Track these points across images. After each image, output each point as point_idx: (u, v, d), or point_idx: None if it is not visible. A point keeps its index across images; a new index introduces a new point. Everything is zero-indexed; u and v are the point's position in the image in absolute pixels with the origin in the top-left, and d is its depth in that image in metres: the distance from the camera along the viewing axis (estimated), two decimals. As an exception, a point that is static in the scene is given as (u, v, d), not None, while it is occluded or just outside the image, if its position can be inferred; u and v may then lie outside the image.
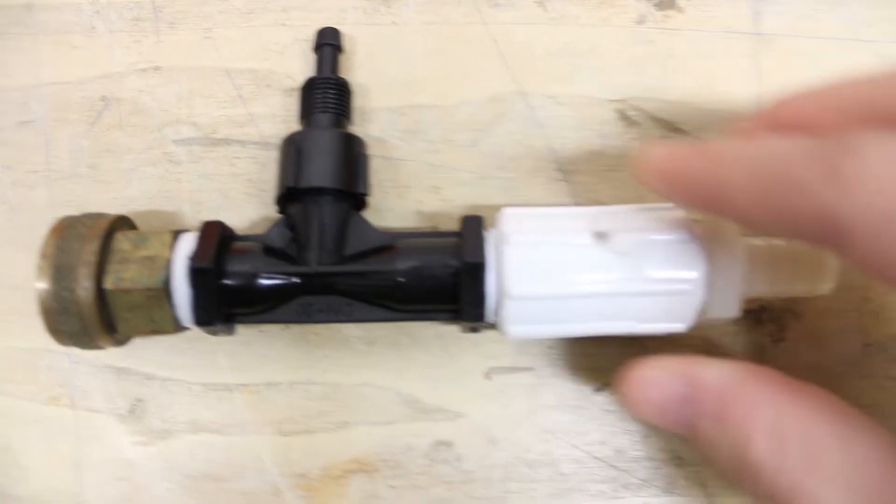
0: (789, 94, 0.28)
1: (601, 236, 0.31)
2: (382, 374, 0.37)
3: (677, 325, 0.32)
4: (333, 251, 0.33)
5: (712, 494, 0.37)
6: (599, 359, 0.38)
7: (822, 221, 0.22)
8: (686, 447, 0.37)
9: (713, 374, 0.29)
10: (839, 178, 0.21)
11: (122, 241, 0.32)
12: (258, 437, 0.37)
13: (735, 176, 0.25)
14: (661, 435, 0.37)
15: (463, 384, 0.37)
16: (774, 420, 0.26)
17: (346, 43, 0.38)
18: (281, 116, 0.38)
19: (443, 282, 0.32)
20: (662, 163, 0.28)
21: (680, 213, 0.32)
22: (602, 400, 0.37)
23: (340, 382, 0.37)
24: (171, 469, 0.37)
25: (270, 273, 0.32)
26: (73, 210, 0.36)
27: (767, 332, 0.38)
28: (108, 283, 0.31)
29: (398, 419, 0.37)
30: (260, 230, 0.36)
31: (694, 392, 0.28)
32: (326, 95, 0.35)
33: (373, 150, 0.38)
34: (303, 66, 0.38)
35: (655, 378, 0.30)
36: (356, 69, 0.38)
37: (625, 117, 0.38)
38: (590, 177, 0.38)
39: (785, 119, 0.28)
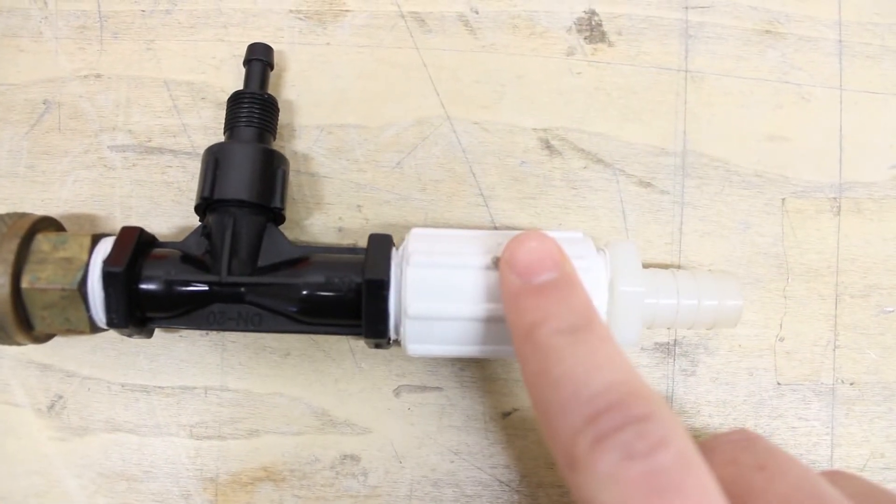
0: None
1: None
2: (294, 385, 0.38)
3: None
4: (246, 262, 0.34)
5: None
6: (509, 383, 0.38)
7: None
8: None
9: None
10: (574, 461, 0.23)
11: (42, 242, 0.33)
12: (171, 439, 0.38)
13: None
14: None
15: (372, 400, 0.38)
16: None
17: (281, 61, 0.39)
18: (213, 129, 0.39)
19: (346, 297, 0.33)
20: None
21: (586, 243, 0.33)
22: (510, 424, 0.38)
23: (253, 391, 0.38)
24: (85, 466, 0.38)
25: (181, 280, 0.33)
26: (9, 208, 0.37)
27: (679, 367, 0.38)
28: (25, 282, 0.32)
29: (307, 430, 0.38)
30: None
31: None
32: (251, 110, 0.36)
33: (298, 167, 0.39)
34: (237, 81, 0.39)
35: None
36: (288, 86, 0.40)
37: (547, 146, 0.39)
38: (509, 203, 0.39)
39: None
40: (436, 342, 0.32)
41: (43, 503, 0.37)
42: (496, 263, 0.31)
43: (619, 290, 0.31)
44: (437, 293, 0.31)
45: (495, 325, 0.31)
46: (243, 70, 0.38)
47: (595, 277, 0.31)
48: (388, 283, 0.31)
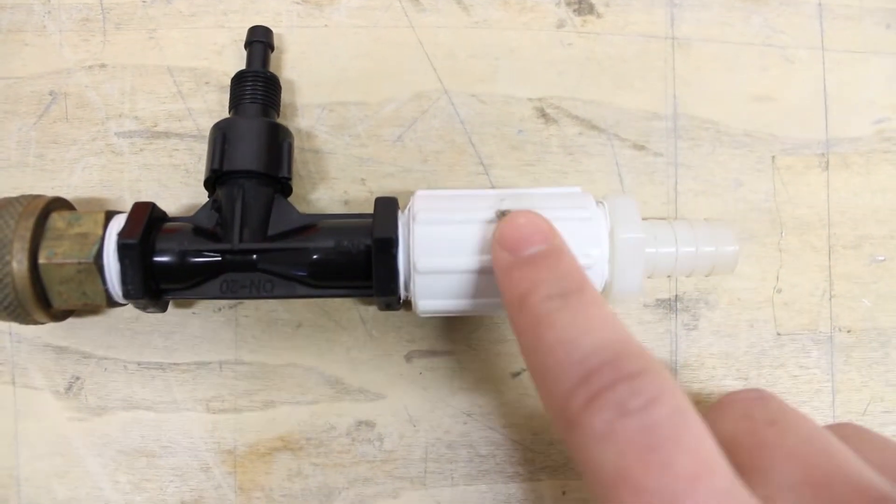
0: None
1: (505, 214, 0.32)
2: (307, 355, 0.39)
3: None
4: (257, 231, 0.34)
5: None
6: (516, 344, 0.39)
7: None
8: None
9: None
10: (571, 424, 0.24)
11: (58, 220, 0.34)
12: (189, 414, 0.38)
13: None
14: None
15: (384, 367, 0.39)
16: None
17: (281, 44, 0.41)
18: (217, 112, 0.40)
19: (356, 258, 0.34)
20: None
21: (586, 196, 0.34)
22: (519, 384, 0.39)
23: (267, 363, 0.39)
24: (104, 445, 0.38)
25: (195, 250, 0.34)
26: (20, 197, 0.38)
27: (681, 322, 0.39)
28: (42, 258, 0.33)
29: (322, 399, 0.39)
30: (195, 218, 0.38)
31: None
32: (255, 87, 0.37)
33: (302, 144, 0.40)
34: (239, 65, 0.40)
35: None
36: (289, 68, 0.41)
37: (543, 115, 0.40)
38: (509, 171, 0.40)
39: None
40: (445, 297, 0.33)
41: (65, 483, 0.38)
42: (500, 216, 0.32)
43: (619, 237, 0.32)
44: (445, 247, 0.32)
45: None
46: (245, 54, 0.39)
47: (596, 227, 0.32)
48: (397, 241, 0.32)
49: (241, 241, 0.34)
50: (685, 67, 0.41)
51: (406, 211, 0.34)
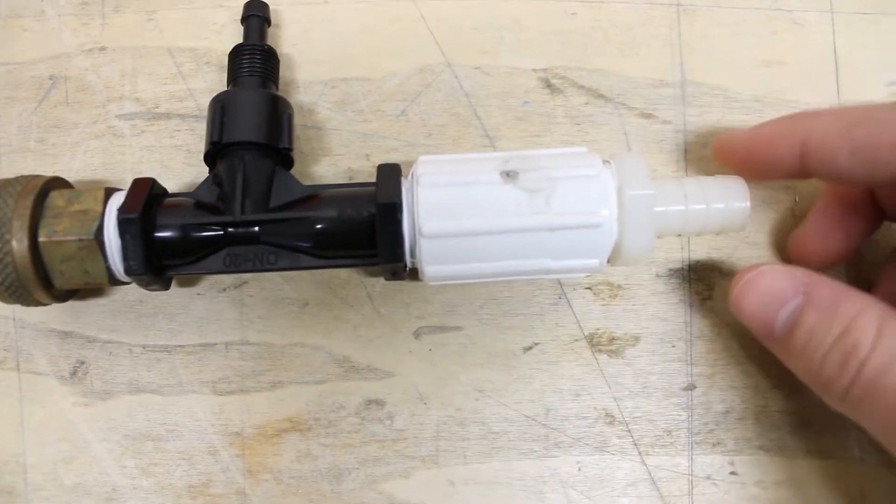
0: None
1: (510, 175, 0.32)
2: (314, 334, 0.38)
3: (592, 262, 0.32)
4: (259, 202, 0.34)
5: (645, 452, 0.37)
6: (528, 318, 0.38)
7: None
8: (618, 406, 0.38)
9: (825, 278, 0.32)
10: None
11: (57, 198, 0.34)
12: (195, 396, 0.38)
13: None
14: (592, 393, 0.38)
15: (393, 344, 0.38)
16: (881, 314, 0.29)
17: (280, 20, 0.40)
18: (218, 91, 0.39)
19: (360, 226, 0.33)
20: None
21: (592, 155, 0.33)
22: (531, 359, 0.38)
23: (274, 343, 0.38)
24: (110, 429, 0.38)
25: (197, 224, 0.33)
26: (22, 182, 0.37)
27: (695, 291, 0.39)
28: (42, 236, 0.33)
29: (330, 378, 0.38)
30: (198, 197, 0.37)
31: (809, 282, 0.32)
32: (252, 60, 0.37)
33: (305, 121, 0.39)
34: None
35: (771, 270, 0.33)
36: (289, 44, 0.40)
37: (548, 85, 0.40)
38: (515, 142, 0.39)
39: None
40: (452, 262, 0.32)
41: (72, 469, 0.37)
42: (505, 177, 0.31)
43: (628, 195, 0.32)
44: (450, 210, 0.31)
45: (509, 237, 0.31)
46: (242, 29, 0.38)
47: (604, 185, 0.32)
48: (401, 206, 0.32)
49: (243, 212, 0.33)
50: (691, 33, 0.41)
51: (409, 176, 0.33)
